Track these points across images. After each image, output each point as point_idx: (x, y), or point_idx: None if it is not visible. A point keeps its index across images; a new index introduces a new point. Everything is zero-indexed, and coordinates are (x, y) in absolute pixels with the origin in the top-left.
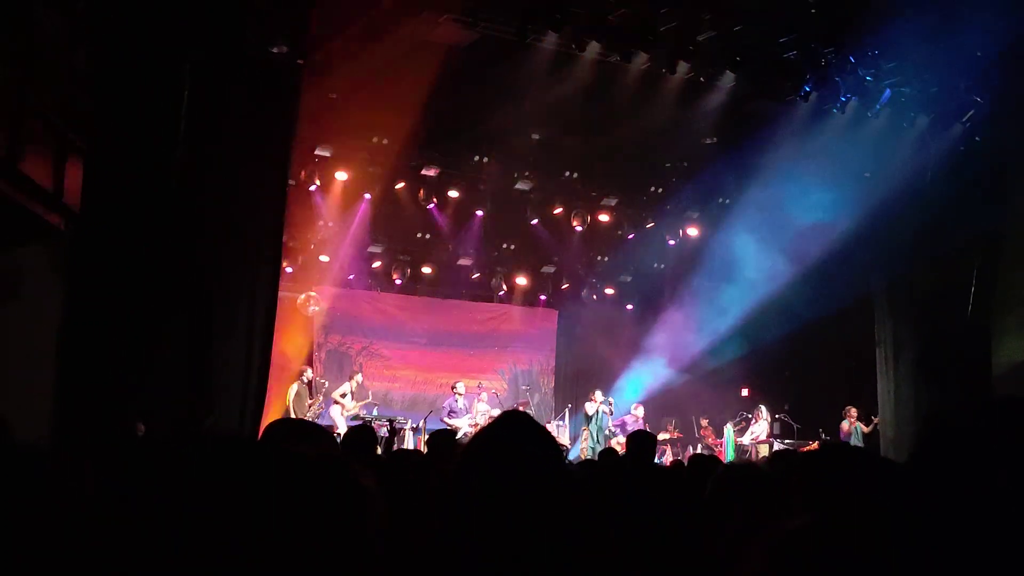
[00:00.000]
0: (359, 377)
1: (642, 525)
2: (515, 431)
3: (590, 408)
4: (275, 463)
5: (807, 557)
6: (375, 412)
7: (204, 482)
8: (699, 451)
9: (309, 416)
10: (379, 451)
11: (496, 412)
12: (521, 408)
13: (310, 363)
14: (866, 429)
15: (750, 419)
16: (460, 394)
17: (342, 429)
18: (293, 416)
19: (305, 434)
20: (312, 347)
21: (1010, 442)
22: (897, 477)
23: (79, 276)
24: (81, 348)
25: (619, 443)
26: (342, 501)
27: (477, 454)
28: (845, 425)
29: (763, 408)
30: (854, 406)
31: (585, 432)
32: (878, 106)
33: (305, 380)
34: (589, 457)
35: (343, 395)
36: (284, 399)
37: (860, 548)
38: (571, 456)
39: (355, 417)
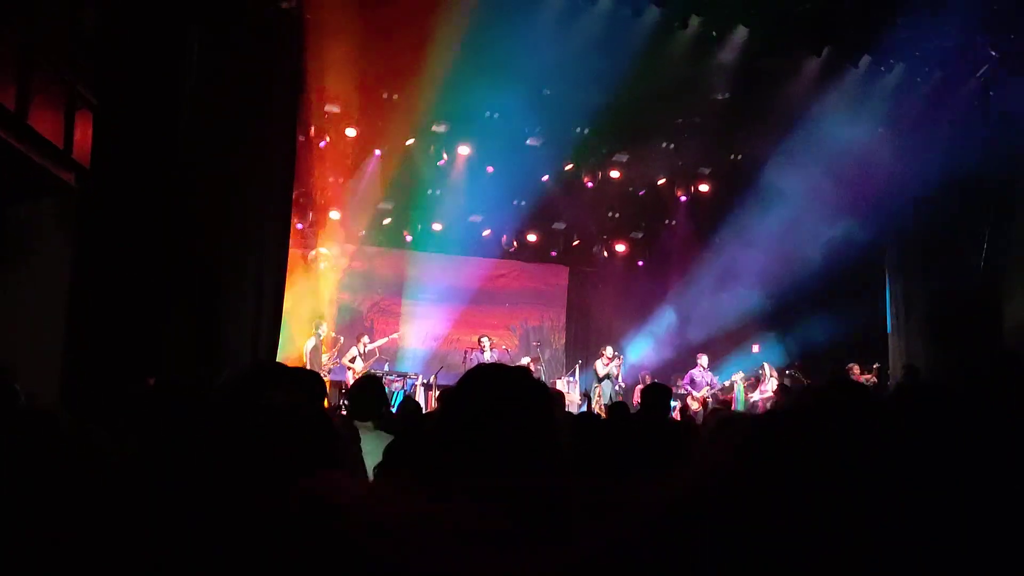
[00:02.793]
0: (365, 339)
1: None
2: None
3: (600, 366)
4: (251, 414)
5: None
6: (386, 368)
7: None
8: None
9: (326, 369)
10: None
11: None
12: (533, 364)
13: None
14: (870, 377)
15: (761, 375)
16: (485, 348)
17: None
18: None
19: (282, 380)
20: (323, 303)
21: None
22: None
23: (89, 231)
24: (91, 303)
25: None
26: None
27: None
28: None
29: (767, 365)
30: (857, 362)
31: (598, 389)
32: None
33: (321, 334)
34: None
35: (352, 359)
36: (299, 354)
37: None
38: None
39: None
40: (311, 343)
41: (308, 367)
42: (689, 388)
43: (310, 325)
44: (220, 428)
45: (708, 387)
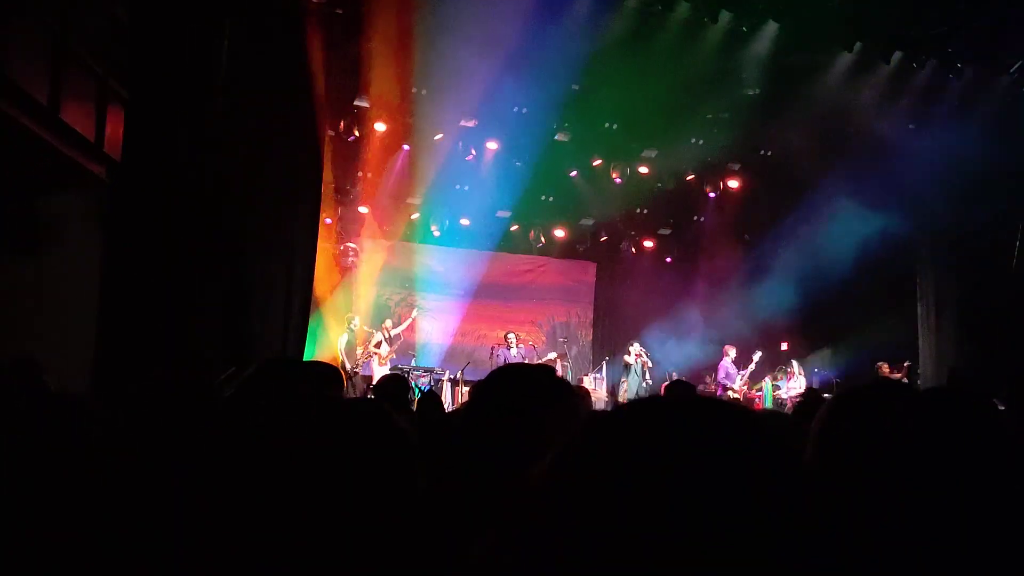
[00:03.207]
0: (388, 323)
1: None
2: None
3: (628, 362)
4: (314, 409)
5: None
6: (412, 363)
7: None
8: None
9: (359, 365)
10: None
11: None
12: (559, 360)
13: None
14: (900, 376)
15: (788, 372)
16: (512, 344)
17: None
18: (347, 365)
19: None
20: (352, 298)
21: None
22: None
23: (120, 225)
24: (122, 296)
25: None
26: (384, 443)
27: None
28: None
29: (795, 363)
30: (885, 361)
31: (624, 385)
32: None
33: (353, 328)
34: None
35: (378, 345)
36: (333, 349)
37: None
38: None
39: (394, 368)
40: (344, 338)
41: (342, 362)
42: (726, 381)
43: (338, 319)
44: (227, 428)
45: (740, 377)
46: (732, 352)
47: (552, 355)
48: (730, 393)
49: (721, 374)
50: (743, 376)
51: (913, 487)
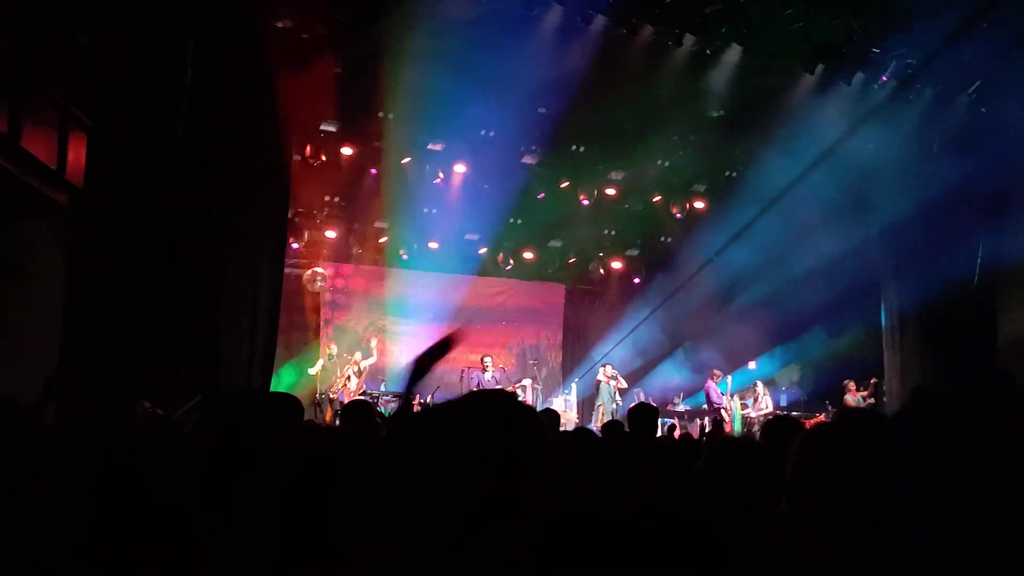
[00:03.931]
0: (358, 355)
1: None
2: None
3: (600, 379)
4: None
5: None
6: (383, 387)
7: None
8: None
9: (334, 391)
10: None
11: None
12: (530, 383)
13: (318, 338)
14: (867, 394)
15: (758, 393)
16: (488, 368)
17: None
18: (319, 392)
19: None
20: (319, 323)
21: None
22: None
23: (83, 252)
24: (85, 324)
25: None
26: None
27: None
28: (848, 399)
29: (759, 384)
30: (852, 379)
31: (601, 408)
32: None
33: (332, 356)
34: None
35: (348, 379)
36: (294, 374)
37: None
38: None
39: (363, 393)
40: (319, 364)
41: (318, 389)
42: (718, 402)
43: (305, 345)
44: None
45: (726, 397)
46: (718, 374)
47: (527, 381)
48: (723, 412)
49: (714, 395)
50: (727, 395)
51: (884, 523)
